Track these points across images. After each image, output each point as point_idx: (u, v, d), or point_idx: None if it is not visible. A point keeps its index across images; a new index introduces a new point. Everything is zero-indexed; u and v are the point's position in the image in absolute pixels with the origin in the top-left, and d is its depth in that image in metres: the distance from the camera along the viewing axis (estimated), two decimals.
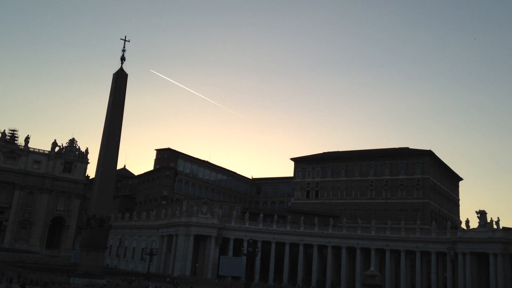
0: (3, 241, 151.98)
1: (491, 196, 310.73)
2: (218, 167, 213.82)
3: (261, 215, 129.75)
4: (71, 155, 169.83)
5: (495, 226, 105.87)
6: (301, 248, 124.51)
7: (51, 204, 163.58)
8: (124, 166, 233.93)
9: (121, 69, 74.94)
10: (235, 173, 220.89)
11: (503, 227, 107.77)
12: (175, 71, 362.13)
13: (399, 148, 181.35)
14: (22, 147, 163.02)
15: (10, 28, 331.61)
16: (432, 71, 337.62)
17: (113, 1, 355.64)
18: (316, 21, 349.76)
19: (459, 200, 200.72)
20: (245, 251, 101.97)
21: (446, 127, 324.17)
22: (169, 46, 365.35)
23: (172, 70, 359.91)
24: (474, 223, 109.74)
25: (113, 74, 75.45)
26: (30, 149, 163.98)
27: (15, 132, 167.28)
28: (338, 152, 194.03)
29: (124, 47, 75.43)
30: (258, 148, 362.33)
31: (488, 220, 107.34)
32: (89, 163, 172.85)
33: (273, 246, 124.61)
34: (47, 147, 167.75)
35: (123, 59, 75.22)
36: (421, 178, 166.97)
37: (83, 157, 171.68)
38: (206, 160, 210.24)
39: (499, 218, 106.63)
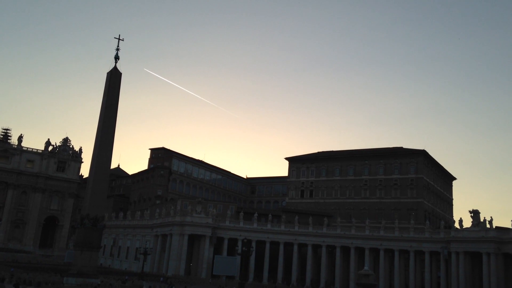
0: None
1: (484, 196, 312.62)
2: (213, 166, 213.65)
3: (256, 214, 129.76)
4: (64, 154, 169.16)
5: (488, 226, 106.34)
6: (295, 247, 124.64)
7: (44, 204, 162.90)
8: (118, 165, 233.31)
9: (115, 68, 74.65)
10: (229, 172, 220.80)
11: (496, 227, 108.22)
12: (170, 70, 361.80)
13: (393, 147, 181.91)
14: (15, 146, 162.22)
15: (3, 27, 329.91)
16: (426, 71, 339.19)
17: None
18: (310, 21, 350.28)
19: (452, 199, 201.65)
20: (239, 251, 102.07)
21: (440, 127, 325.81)
22: (163, 45, 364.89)
23: (166, 69, 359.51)
24: (468, 223, 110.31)
25: (107, 73, 75.16)
26: (23, 148, 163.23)
27: (8, 131, 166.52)
28: (332, 151, 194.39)
29: (118, 46, 75.16)
30: (252, 148, 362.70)
31: (481, 220, 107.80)
32: (82, 162, 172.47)
33: (267, 245, 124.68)
34: (41, 146, 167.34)
35: (117, 58, 74.90)
36: (415, 178, 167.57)
37: (76, 156, 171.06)
38: (200, 159, 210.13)
39: (492, 217, 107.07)
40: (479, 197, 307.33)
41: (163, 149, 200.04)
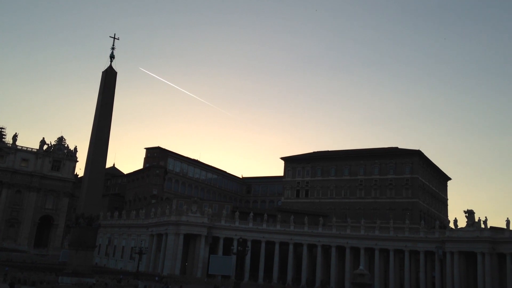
0: None
1: (479, 196, 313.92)
2: (208, 166, 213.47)
3: (251, 214, 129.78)
4: (59, 153, 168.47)
5: (482, 226, 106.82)
6: (291, 247, 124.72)
7: (39, 203, 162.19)
8: (114, 164, 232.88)
9: (110, 67, 74.39)
10: (225, 172, 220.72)
11: (490, 227, 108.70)
12: (165, 70, 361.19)
13: (388, 147, 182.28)
14: (10, 145, 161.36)
15: None
16: (422, 72, 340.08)
17: None
18: (306, 21, 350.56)
19: (447, 199, 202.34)
20: (235, 250, 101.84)
21: (435, 127, 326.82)
22: (159, 44, 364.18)
23: (162, 68, 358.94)
24: (462, 223, 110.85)
25: (102, 72, 74.86)
26: (18, 147, 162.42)
27: (2, 129, 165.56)
28: (327, 151, 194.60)
29: (113, 45, 74.82)
30: (248, 147, 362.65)
31: (476, 220, 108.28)
32: (78, 161, 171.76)
33: (263, 245, 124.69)
34: (35, 145, 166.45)
35: (112, 57, 74.57)
36: (410, 178, 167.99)
37: (71, 155, 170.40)
38: (196, 159, 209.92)
39: (487, 217, 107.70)
40: (474, 197, 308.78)
41: (158, 148, 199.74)
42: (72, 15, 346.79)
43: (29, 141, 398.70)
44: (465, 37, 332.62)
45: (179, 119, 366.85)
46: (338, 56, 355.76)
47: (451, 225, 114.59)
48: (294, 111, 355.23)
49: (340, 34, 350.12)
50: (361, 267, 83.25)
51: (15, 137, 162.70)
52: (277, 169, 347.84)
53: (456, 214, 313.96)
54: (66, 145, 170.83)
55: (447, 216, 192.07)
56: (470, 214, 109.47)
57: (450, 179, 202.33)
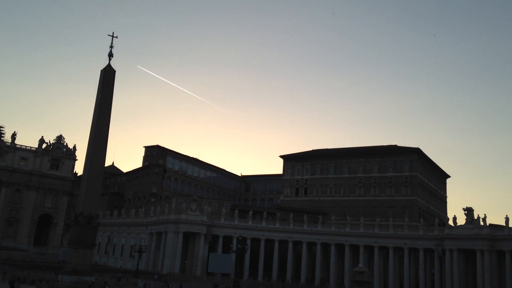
0: None
1: (478, 193, 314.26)
2: (207, 164, 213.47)
3: (251, 212, 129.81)
4: (58, 152, 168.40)
5: (482, 223, 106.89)
6: (290, 245, 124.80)
7: (38, 201, 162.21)
8: (113, 163, 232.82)
9: (108, 66, 74.18)
10: (224, 170, 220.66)
11: (489, 224, 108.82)
12: (164, 68, 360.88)
13: (387, 145, 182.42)
14: (9, 144, 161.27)
15: None
16: (421, 70, 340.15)
17: None
18: (304, 20, 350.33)
19: (446, 197, 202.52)
20: (234, 248, 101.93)
21: (434, 125, 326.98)
22: (157, 43, 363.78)
23: (161, 67, 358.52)
24: (461, 220, 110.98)
25: (101, 71, 74.69)
26: (17, 145, 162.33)
27: (1, 128, 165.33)
28: (327, 149, 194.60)
29: (111, 43, 74.60)
30: (247, 146, 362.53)
31: (475, 217, 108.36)
32: (77, 160, 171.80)
33: (262, 243, 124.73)
34: (34, 144, 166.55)
35: (110, 55, 74.34)
36: (409, 176, 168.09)
37: (70, 154, 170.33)
38: (195, 157, 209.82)
39: (486, 215, 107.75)
40: (473, 195, 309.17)
41: (157, 147, 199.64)
42: (71, 14, 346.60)
43: (28, 139, 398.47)
44: (464, 36, 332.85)
45: (178, 118, 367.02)
46: (337, 54, 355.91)
47: (450, 222, 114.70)
48: (293, 110, 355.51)
49: (339, 32, 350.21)
50: (360, 264, 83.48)
51: (14, 136, 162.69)
52: (276, 167, 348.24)
53: (455, 212, 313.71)
54: (65, 144, 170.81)
55: (446, 214, 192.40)
56: (469, 211, 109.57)
57: (449, 176, 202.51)
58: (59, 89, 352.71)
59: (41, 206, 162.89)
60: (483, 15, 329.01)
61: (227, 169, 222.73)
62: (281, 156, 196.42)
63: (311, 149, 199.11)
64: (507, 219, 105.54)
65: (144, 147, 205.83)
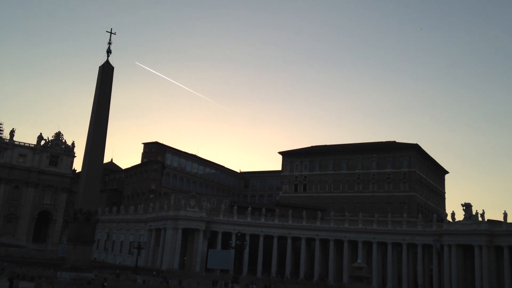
0: None
1: (476, 189, 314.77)
2: (206, 161, 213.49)
3: (249, 208, 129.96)
4: (57, 148, 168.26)
5: (480, 219, 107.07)
6: (289, 241, 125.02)
7: (37, 198, 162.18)
8: (111, 159, 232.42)
9: (107, 62, 74.16)
10: (223, 167, 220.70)
11: (488, 220, 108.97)
12: (163, 65, 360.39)
13: (386, 141, 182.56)
14: (7, 141, 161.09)
15: None
16: (419, 66, 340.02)
17: None
18: (303, 16, 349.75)
19: (445, 193, 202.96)
20: (233, 244, 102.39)
21: (433, 121, 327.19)
22: (156, 39, 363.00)
23: (159, 63, 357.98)
24: (460, 216, 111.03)
25: (99, 67, 74.67)
26: (16, 142, 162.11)
27: (0, 125, 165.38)
28: (325, 146, 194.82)
29: (110, 40, 74.56)
30: (246, 142, 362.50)
31: (473, 213, 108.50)
32: (75, 156, 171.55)
33: (261, 239, 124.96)
34: (33, 141, 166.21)
35: (109, 51, 74.33)
36: (408, 172, 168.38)
37: (69, 150, 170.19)
38: (193, 154, 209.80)
39: (484, 210, 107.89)
40: (471, 191, 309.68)
41: (156, 143, 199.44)
42: (69, 10, 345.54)
43: (26, 136, 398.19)
44: (462, 32, 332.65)
45: (176, 114, 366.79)
46: (336, 50, 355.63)
47: (449, 218, 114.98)
48: (292, 106, 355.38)
49: (338, 28, 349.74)
50: (359, 260, 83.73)
51: (12, 133, 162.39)
52: (275, 164, 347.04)
53: (453, 208, 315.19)
54: (63, 141, 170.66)
55: (444, 210, 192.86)
56: (467, 207, 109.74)
57: (447, 172, 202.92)
58: (57, 86, 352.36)
59: (40, 202, 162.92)
60: (484, 11, 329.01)
61: (226, 166, 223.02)
62: (280, 153, 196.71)
63: (310, 146, 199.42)
64: (505, 215, 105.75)
65: (143, 143, 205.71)
